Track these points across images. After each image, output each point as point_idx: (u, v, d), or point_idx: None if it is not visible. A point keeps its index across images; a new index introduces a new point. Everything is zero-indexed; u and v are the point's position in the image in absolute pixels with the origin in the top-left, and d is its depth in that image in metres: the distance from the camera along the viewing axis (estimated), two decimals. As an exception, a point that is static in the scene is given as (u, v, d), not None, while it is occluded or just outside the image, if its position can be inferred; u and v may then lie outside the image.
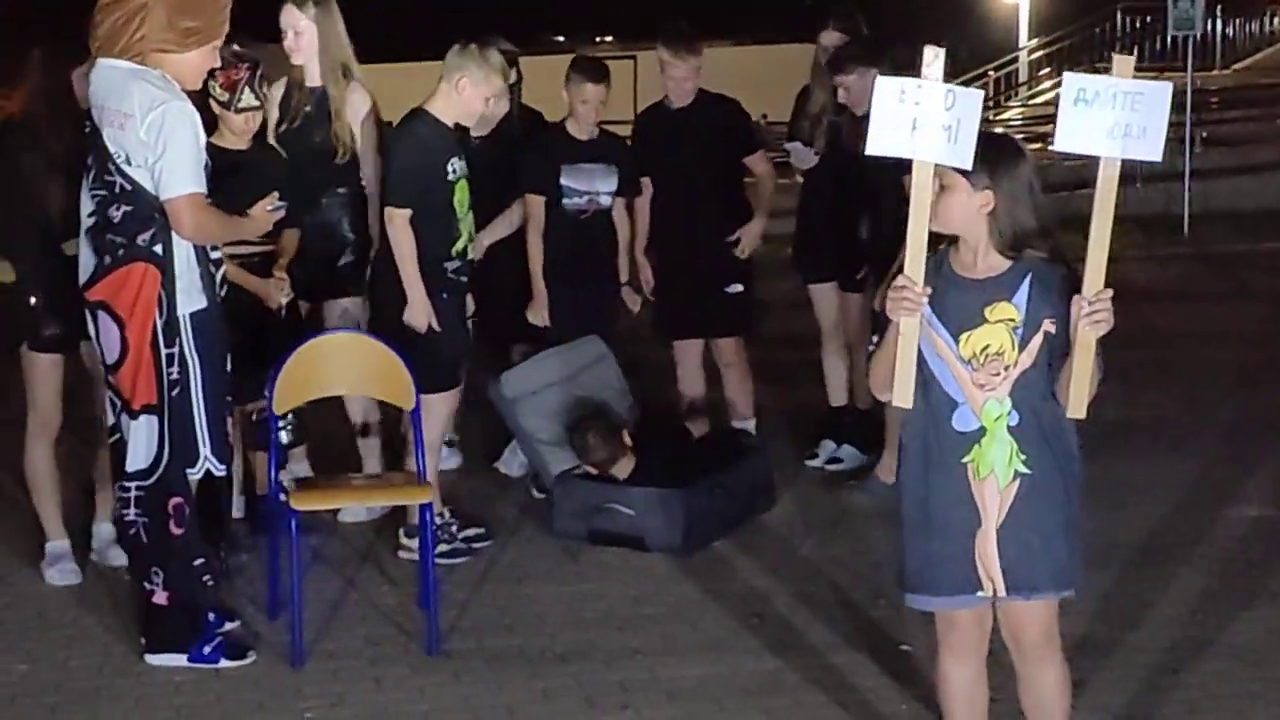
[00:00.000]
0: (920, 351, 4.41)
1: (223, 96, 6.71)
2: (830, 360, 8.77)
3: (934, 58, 4.26)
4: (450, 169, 7.04)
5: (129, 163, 5.79)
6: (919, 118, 4.25)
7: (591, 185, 8.13)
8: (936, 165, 4.32)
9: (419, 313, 7.01)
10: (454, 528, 7.28)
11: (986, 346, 4.43)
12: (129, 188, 5.80)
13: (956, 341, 4.44)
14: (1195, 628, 6.34)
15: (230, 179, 6.41)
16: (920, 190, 4.30)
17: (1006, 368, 4.43)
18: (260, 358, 6.65)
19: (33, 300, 6.69)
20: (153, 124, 5.72)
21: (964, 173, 4.37)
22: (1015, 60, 27.80)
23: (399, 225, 7.00)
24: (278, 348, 6.67)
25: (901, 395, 4.39)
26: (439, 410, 7.08)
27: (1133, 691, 5.74)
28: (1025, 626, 4.65)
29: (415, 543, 6.89)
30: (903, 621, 6.35)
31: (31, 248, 6.68)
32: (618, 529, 7.36)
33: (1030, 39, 28.33)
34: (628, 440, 7.62)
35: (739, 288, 8.45)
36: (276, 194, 6.43)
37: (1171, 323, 12.29)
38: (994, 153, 4.42)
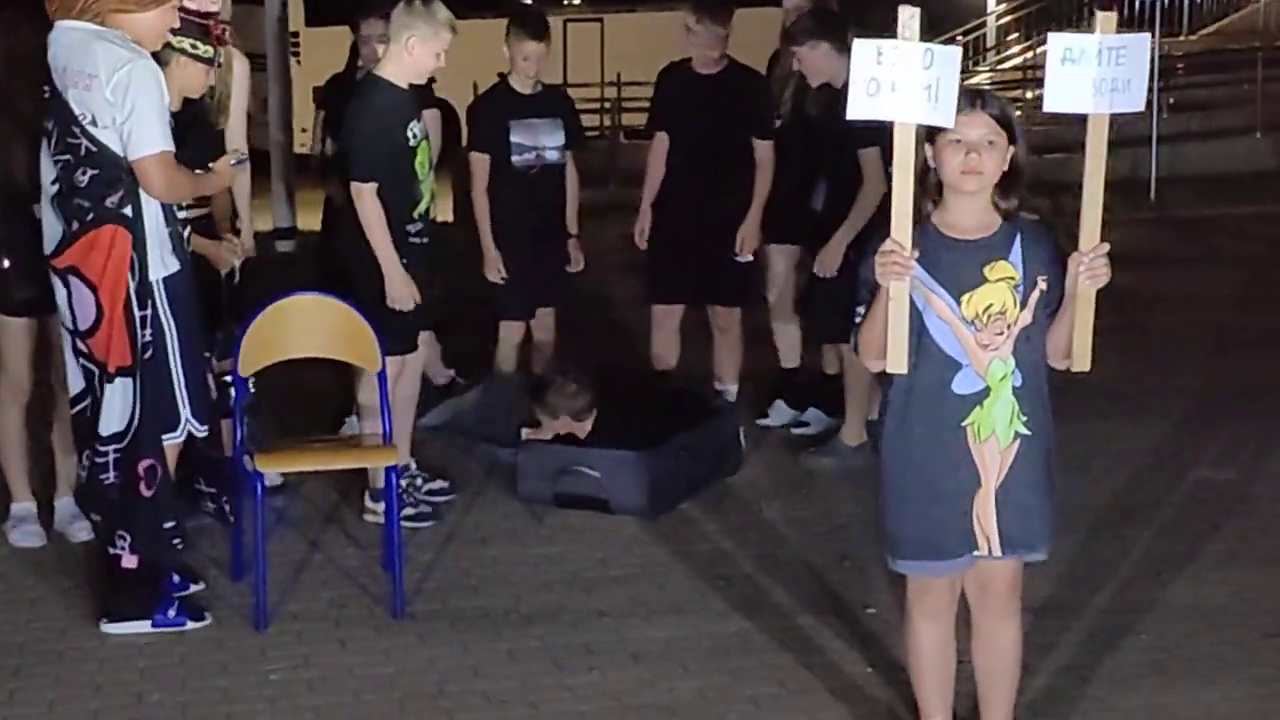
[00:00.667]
0: (919, 317, 4.41)
1: (207, 52, 6.46)
2: (781, 322, 8.80)
3: (909, 18, 4.25)
4: (410, 134, 6.98)
5: (95, 124, 5.72)
6: (898, 79, 4.22)
7: (537, 140, 8.11)
8: (986, 122, 4.36)
9: (399, 287, 6.93)
10: (419, 480, 7.26)
11: (989, 306, 4.44)
12: (94, 149, 5.74)
13: (958, 303, 4.44)
14: (1160, 590, 6.38)
15: (189, 135, 6.29)
16: (903, 153, 4.28)
17: (1009, 326, 4.45)
18: (212, 321, 6.60)
19: (6, 264, 6.64)
20: (119, 84, 5.67)
21: (1007, 128, 4.40)
22: (983, 25, 27.76)
23: (367, 199, 6.90)
24: (229, 311, 6.63)
25: (895, 361, 4.38)
26: (392, 372, 7.04)
27: (1099, 654, 5.77)
28: (995, 580, 4.68)
29: (381, 506, 6.89)
30: (867, 584, 6.38)
31: (1, 211, 6.62)
32: (583, 491, 7.35)
33: (998, 3, 28.30)
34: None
35: (749, 257, 8.44)
36: (240, 149, 6.33)
37: (1139, 287, 12.29)
38: (1010, 107, 4.47)
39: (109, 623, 6.04)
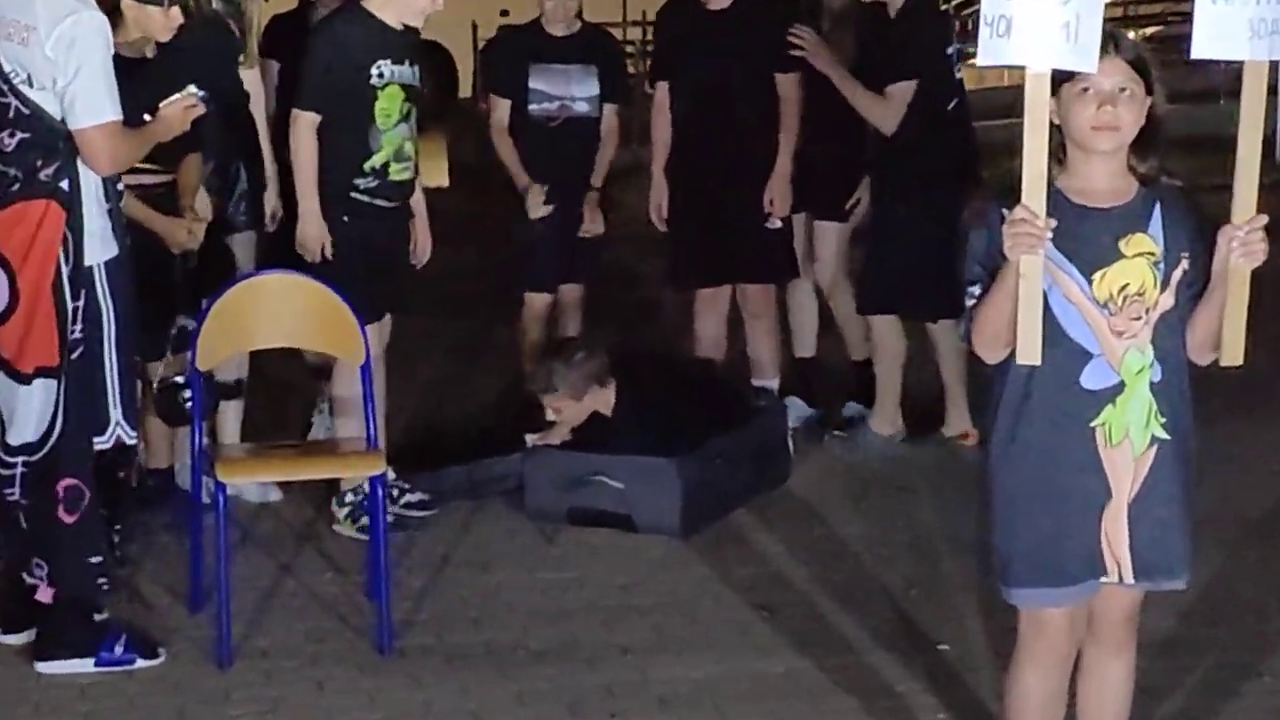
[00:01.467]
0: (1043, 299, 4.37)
1: None
2: (797, 301, 8.86)
3: None
4: (376, 71, 7.03)
5: (30, 84, 5.73)
6: (1031, 17, 4.17)
7: (566, 90, 8.11)
8: (1121, 69, 4.31)
9: (310, 228, 7.05)
10: (395, 492, 7.22)
11: (1125, 286, 4.39)
12: (27, 112, 5.75)
13: (1089, 282, 4.39)
14: (1282, 620, 6.37)
15: (141, 82, 6.27)
16: (1036, 104, 4.22)
17: (1148, 310, 4.40)
18: (161, 309, 6.60)
19: None
20: (61, 38, 5.67)
21: (1144, 75, 4.35)
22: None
23: (301, 129, 7.06)
24: (182, 297, 6.65)
25: (1027, 350, 4.31)
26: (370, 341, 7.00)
27: (1212, 698, 5.74)
28: (1112, 607, 4.64)
29: (345, 513, 7.00)
30: (938, 614, 6.36)
31: None
32: (603, 506, 7.35)
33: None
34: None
35: (778, 224, 8.40)
36: (193, 85, 6.30)
37: (1261, 264, 12.25)
38: (1146, 51, 4.42)
39: (43, 661, 6.03)
